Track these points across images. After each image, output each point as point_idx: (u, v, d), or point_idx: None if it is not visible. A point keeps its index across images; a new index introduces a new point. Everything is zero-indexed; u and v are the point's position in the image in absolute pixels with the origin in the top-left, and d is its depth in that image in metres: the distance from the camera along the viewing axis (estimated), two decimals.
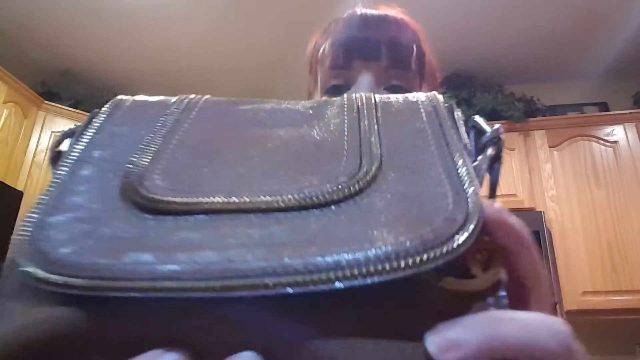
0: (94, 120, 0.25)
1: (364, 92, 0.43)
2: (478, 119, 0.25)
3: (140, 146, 0.23)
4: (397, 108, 0.27)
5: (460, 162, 0.20)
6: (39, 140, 2.44)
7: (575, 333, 0.16)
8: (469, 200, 0.18)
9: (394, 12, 0.54)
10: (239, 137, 0.24)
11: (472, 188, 0.19)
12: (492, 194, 0.24)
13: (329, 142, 0.24)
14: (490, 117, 2.35)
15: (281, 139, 0.24)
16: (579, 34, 2.34)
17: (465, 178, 0.19)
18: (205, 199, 0.19)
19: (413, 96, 0.28)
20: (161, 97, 0.28)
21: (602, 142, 2.31)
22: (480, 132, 0.24)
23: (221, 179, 0.20)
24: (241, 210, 0.18)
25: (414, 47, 0.53)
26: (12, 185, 2.27)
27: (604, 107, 2.57)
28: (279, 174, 0.21)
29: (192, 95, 0.29)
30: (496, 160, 0.23)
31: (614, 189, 2.20)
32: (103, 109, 0.26)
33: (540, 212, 2.13)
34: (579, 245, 2.13)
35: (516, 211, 0.26)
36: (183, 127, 0.25)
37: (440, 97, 0.27)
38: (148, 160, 0.22)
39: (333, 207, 0.18)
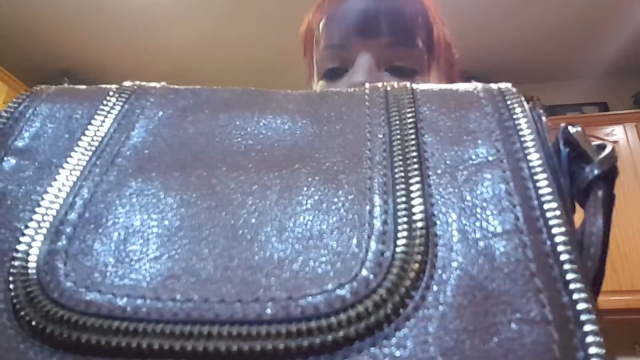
0: None
1: (361, 76, 0.40)
2: (575, 131, 0.16)
3: (43, 199, 0.16)
4: (449, 115, 0.18)
5: (561, 246, 0.12)
6: None
7: None
8: (587, 343, 0.11)
9: None
10: (192, 176, 0.17)
11: (590, 316, 0.11)
12: (598, 278, 0.14)
13: (340, 192, 0.15)
14: None
15: (258, 186, 0.16)
16: (578, 34, 2.33)
17: (576, 286, 0.12)
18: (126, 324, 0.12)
19: (468, 89, 0.19)
20: (88, 97, 0.20)
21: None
22: (579, 152, 0.16)
23: (153, 275, 0.14)
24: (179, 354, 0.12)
25: (420, 18, 0.44)
26: None
27: (604, 107, 2.57)
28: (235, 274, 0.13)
29: (127, 93, 0.20)
30: (608, 206, 0.14)
31: (614, 188, 2.19)
32: (5, 115, 0.19)
33: None
34: None
35: None
36: (109, 168, 0.17)
37: (514, 91, 0.19)
38: (47, 228, 0.15)
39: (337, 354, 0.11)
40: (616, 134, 2.30)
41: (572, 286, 0.12)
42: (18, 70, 2.33)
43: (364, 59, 0.43)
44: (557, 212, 0.14)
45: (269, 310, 0.12)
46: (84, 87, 0.21)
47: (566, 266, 0.12)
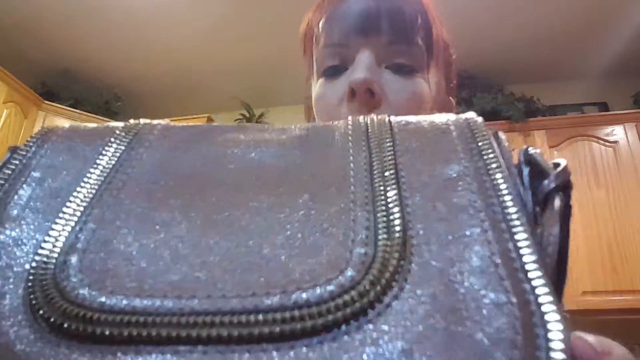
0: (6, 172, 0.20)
1: (361, 73, 0.41)
2: (534, 152, 0.18)
3: (58, 219, 0.18)
4: (422, 141, 0.20)
5: (522, 242, 0.15)
6: None
7: None
8: (546, 320, 0.13)
9: None
10: (194, 196, 0.19)
11: (548, 298, 0.13)
12: (559, 284, 0.15)
13: (327, 205, 0.17)
14: (490, 117, 2.35)
15: (253, 203, 0.18)
16: (579, 34, 2.33)
17: (535, 274, 0.14)
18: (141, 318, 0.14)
19: (441, 120, 0.21)
20: (97, 133, 0.23)
21: (602, 142, 2.31)
22: (538, 169, 0.18)
23: (170, 270, 0.15)
24: (197, 341, 0.13)
25: (419, 18, 0.45)
26: None
27: (604, 107, 2.57)
28: (244, 271, 0.15)
29: (134, 130, 0.23)
30: (565, 217, 0.16)
31: (614, 189, 2.20)
32: (23, 150, 0.21)
33: None
34: (579, 245, 2.12)
35: None
36: (118, 184, 0.19)
37: (480, 120, 0.21)
38: (62, 242, 0.17)
39: (341, 331, 0.13)
40: (616, 134, 2.30)
41: (531, 275, 0.14)
42: (18, 70, 2.33)
43: (364, 56, 0.43)
44: (517, 215, 0.16)
45: (264, 302, 0.14)
46: (95, 124, 0.24)
47: (525, 258, 0.14)
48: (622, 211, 2.15)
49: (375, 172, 0.19)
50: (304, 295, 0.14)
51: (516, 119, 2.39)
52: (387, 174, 0.18)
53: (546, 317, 0.13)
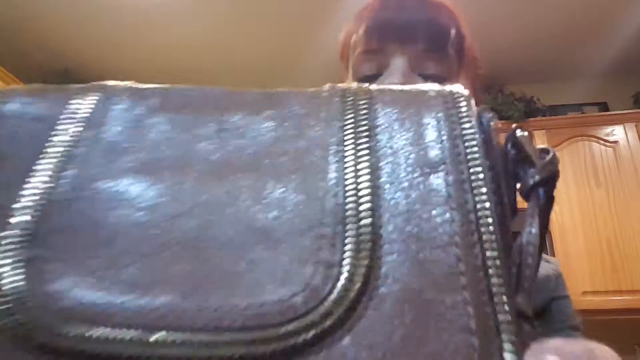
0: None
1: (397, 78, 0.43)
2: (521, 135, 0.17)
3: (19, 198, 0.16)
4: (402, 118, 0.18)
5: (490, 262, 0.14)
6: None
7: None
8: (502, 350, 0.13)
9: None
10: (158, 183, 0.17)
11: (509, 328, 0.13)
12: (525, 285, 0.15)
13: (296, 197, 0.16)
14: None
15: (218, 191, 0.17)
16: (579, 34, 2.33)
17: (500, 299, 0.13)
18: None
19: (425, 92, 0.19)
20: (60, 95, 0.20)
21: (602, 142, 2.31)
22: (523, 155, 0.16)
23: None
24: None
25: (453, 30, 0.49)
26: None
27: (604, 107, 2.57)
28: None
29: (96, 94, 0.20)
30: (546, 208, 0.15)
31: (614, 189, 2.20)
32: None
33: None
34: (579, 245, 2.12)
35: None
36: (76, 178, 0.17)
37: (466, 94, 0.19)
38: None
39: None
40: (616, 134, 2.30)
41: (496, 299, 0.14)
42: (18, 70, 2.33)
43: (399, 62, 0.46)
44: (491, 228, 0.15)
45: (225, 321, 0.13)
46: (53, 86, 0.21)
47: (493, 280, 0.14)
48: (622, 211, 2.15)
49: (347, 161, 0.17)
50: (267, 311, 0.13)
51: (516, 119, 2.38)
52: (360, 167, 0.17)
53: (503, 346, 0.13)
